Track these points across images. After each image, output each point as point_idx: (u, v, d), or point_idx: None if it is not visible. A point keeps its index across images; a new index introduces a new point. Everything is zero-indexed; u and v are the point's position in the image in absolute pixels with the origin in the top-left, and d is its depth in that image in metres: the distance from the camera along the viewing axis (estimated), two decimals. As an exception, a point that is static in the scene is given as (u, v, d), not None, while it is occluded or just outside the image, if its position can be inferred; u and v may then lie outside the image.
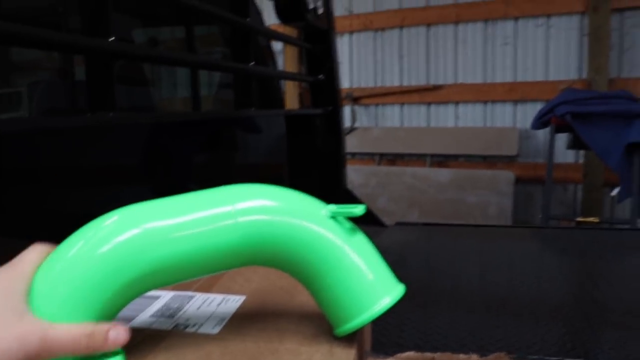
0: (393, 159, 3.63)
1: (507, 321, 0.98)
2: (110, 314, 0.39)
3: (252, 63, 1.06)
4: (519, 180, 3.25)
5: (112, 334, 0.37)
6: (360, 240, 0.44)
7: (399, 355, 0.44)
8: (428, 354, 0.44)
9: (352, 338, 0.43)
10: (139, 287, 0.39)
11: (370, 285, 0.42)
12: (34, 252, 0.39)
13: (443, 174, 3.30)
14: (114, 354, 0.38)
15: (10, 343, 0.33)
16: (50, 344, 0.34)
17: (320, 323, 0.46)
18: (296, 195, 0.44)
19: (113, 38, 0.67)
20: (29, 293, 0.37)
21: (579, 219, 2.69)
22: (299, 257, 0.42)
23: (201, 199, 0.41)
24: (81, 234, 0.39)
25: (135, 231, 0.38)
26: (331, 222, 0.42)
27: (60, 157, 0.86)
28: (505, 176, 3.19)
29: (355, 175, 3.31)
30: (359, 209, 0.42)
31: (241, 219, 0.40)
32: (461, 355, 0.43)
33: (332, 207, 0.43)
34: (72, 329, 0.36)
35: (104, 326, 0.37)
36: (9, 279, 0.36)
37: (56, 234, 0.41)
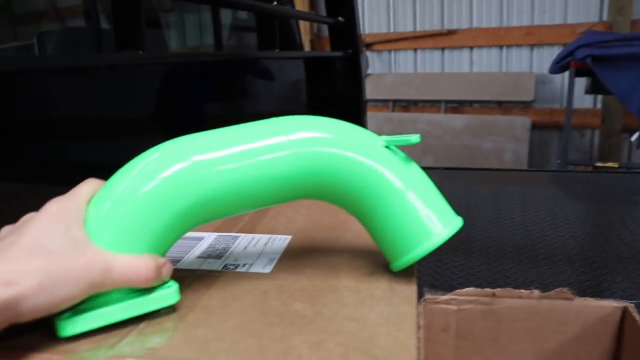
0: (407, 105, 3.58)
1: (540, 263, 0.97)
2: (162, 250, 0.38)
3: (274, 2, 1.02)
4: (535, 126, 3.21)
5: (167, 267, 0.37)
6: (416, 170, 0.42)
7: (457, 291, 0.43)
8: (488, 290, 0.42)
9: (411, 272, 0.42)
10: (191, 219, 0.38)
11: (427, 216, 0.40)
12: (89, 184, 0.38)
13: (458, 120, 3.25)
14: (168, 285, 0.37)
15: (76, 272, 0.32)
16: (114, 274, 0.34)
17: (374, 259, 0.45)
18: (350, 127, 0.42)
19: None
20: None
21: (597, 164, 2.66)
22: (354, 189, 0.40)
23: (253, 130, 0.39)
24: (126, 171, 0.37)
25: (182, 164, 0.37)
26: (386, 153, 0.41)
27: (72, 107, 0.83)
28: (521, 122, 3.14)
29: (369, 122, 3.25)
30: (415, 137, 0.40)
31: (296, 150, 0.38)
32: (522, 291, 0.42)
33: (387, 137, 0.41)
34: (135, 260, 0.35)
35: (161, 259, 0.37)
36: (68, 209, 0.35)
37: (69, 183, 0.39)
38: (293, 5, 1.63)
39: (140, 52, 0.64)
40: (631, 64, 2.42)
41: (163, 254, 0.38)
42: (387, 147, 0.41)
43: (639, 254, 1.00)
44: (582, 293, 0.84)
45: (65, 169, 0.73)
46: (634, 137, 2.60)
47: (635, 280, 0.90)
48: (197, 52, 1.42)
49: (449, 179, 1.71)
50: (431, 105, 3.51)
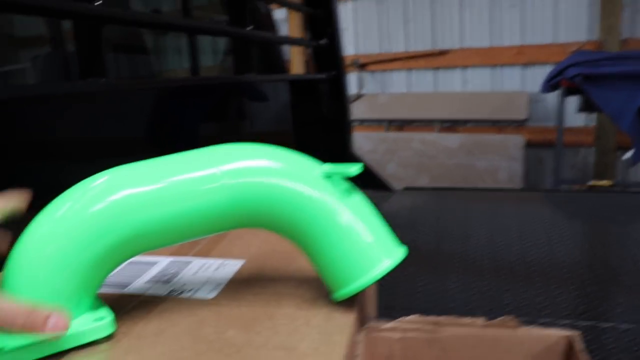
0: (401, 125, 3.59)
1: (517, 285, 0.97)
2: (98, 278, 0.37)
3: (250, 27, 1.02)
4: (529, 145, 3.20)
5: (52, 320, 0.34)
6: (358, 200, 0.41)
7: (402, 319, 0.42)
8: (431, 318, 0.42)
9: (352, 302, 0.42)
10: (125, 251, 0.37)
11: (368, 247, 0.40)
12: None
13: (452, 139, 3.25)
14: (101, 317, 0.37)
15: None
16: None
17: (320, 287, 0.44)
18: (287, 155, 0.41)
19: (100, 2, 0.64)
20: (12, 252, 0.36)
21: (591, 182, 2.65)
22: (289, 219, 0.39)
23: (188, 160, 0.39)
24: (69, 195, 0.37)
25: (114, 197, 0.36)
26: (324, 182, 0.40)
27: (63, 130, 0.84)
28: (515, 140, 3.14)
29: (364, 141, 3.28)
30: (354, 168, 0.40)
31: (226, 181, 0.38)
32: (466, 319, 0.41)
33: (326, 167, 0.41)
34: (12, 304, 0.34)
35: (45, 310, 0.35)
36: None
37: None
38: (275, 29, 1.64)
39: (103, 80, 0.63)
40: (621, 82, 2.43)
41: (99, 283, 0.38)
42: (327, 177, 0.40)
43: (634, 273, 0.99)
44: (575, 315, 0.83)
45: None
46: (626, 155, 2.59)
47: (633, 302, 0.89)
48: (168, 78, 1.42)
49: (444, 199, 1.71)
50: (425, 124, 3.52)
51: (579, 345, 0.40)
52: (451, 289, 0.96)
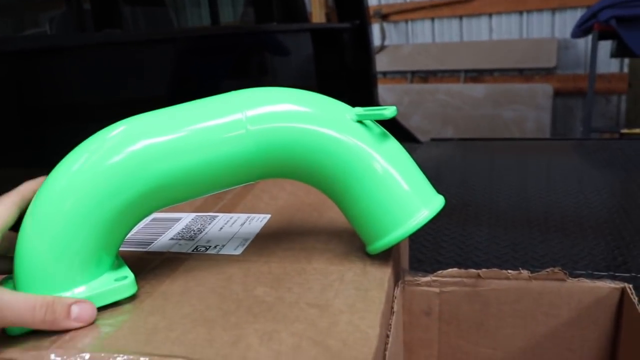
0: (425, 76, 3.49)
1: (551, 236, 0.93)
2: (118, 234, 0.35)
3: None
4: (557, 94, 3.10)
5: (75, 309, 0.32)
6: (393, 146, 0.38)
7: (440, 272, 0.40)
8: (472, 271, 0.39)
9: (388, 255, 0.39)
10: (146, 204, 0.35)
11: (405, 196, 0.37)
12: (11, 196, 0.35)
13: (478, 90, 3.16)
14: (123, 277, 0.35)
15: None
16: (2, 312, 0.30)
17: (352, 240, 0.42)
18: (316, 98, 0.38)
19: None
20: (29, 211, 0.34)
21: (624, 130, 2.56)
22: (321, 167, 0.36)
23: (211, 107, 0.36)
24: (85, 147, 0.34)
25: (132, 148, 0.34)
26: (357, 127, 0.37)
27: (80, 90, 0.81)
28: (543, 89, 3.04)
29: (387, 94, 3.21)
30: (389, 111, 0.36)
31: (252, 127, 0.35)
32: (510, 272, 0.38)
33: (359, 110, 0.37)
34: (29, 298, 0.31)
35: (66, 299, 0.32)
36: None
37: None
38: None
39: (119, 31, 0.60)
40: (658, 24, 2.31)
41: (121, 239, 0.36)
42: (359, 121, 0.37)
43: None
44: (614, 267, 0.80)
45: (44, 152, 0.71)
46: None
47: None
48: (186, 28, 1.38)
49: (470, 150, 1.66)
50: (450, 75, 3.42)
51: (633, 297, 0.37)
52: (482, 241, 0.93)
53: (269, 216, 0.50)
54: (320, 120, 0.36)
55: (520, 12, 3.24)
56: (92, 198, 0.33)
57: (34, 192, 0.35)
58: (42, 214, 0.33)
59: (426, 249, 0.90)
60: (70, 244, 0.33)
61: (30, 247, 0.33)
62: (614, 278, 0.46)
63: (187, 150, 0.34)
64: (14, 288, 0.34)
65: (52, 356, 0.29)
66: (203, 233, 0.47)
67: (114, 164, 0.33)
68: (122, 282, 0.35)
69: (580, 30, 2.54)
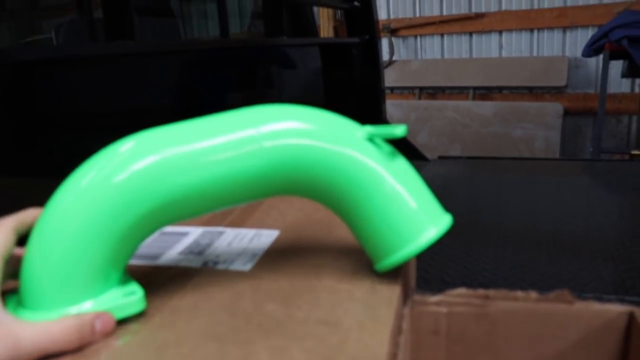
0: (434, 92, 3.50)
1: (559, 258, 0.93)
2: (127, 249, 0.36)
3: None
4: (567, 113, 3.10)
5: (98, 324, 0.32)
6: (402, 164, 0.38)
7: (449, 292, 0.40)
8: (481, 291, 0.39)
9: (397, 274, 0.39)
10: (156, 220, 0.35)
11: (413, 214, 0.37)
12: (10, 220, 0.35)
13: (487, 107, 3.17)
14: (132, 292, 0.35)
15: None
16: (26, 347, 0.30)
17: (361, 258, 0.42)
18: (328, 116, 0.39)
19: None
20: (35, 229, 0.34)
21: (634, 151, 2.55)
22: (331, 184, 0.37)
23: (223, 122, 0.37)
24: (94, 162, 0.35)
25: (141, 164, 0.34)
26: (368, 145, 0.37)
27: (87, 100, 0.82)
28: (553, 108, 3.04)
29: (394, 110, 3.21)
30: (399, 130, 0.37)
31: (266, 144, 0.35)
32: (518, 293, 0.38)
33: (369, 128, 0.38)
34: (50, 327, 0.31)
35: (87, 315, 0.32)
36: None
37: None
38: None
39: (131, 42, 0.61)
40: (670, 45, 2.31)
41: (130, 254, 0.36)
42: (370, 139, 0.38)
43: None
44: (623, 290, 0.79)
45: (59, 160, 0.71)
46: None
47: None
48: (194, 40, 1.39)
49: (478, 169, 1.66)
50: (459, 92, 3.43)
51: (642, 322, 0.37)
52: (489, 261, 0.93)
53: (277, 232, 0.50)
54: (334, 138, 0.37)
55: (531, 30, 3.25)
56: (102, 214, 0.33)
57: (35, 218, 0.35)
58: (50, 231, 0.33)
59: (432, 269, 0.89)
60: (77, 260, 0.33)
61: (38, 265, 0.33)
62: (622, 301, 0.46)
63: (199, 166, 0.34)
64: (17, 306, 0.34)
65: (63, 371, 0.30)
66: (212, 248, 0.47)
67: (123, 180, 0.33)
68: (131, 297, 0.35)
69: (592, 49, 2.55)
